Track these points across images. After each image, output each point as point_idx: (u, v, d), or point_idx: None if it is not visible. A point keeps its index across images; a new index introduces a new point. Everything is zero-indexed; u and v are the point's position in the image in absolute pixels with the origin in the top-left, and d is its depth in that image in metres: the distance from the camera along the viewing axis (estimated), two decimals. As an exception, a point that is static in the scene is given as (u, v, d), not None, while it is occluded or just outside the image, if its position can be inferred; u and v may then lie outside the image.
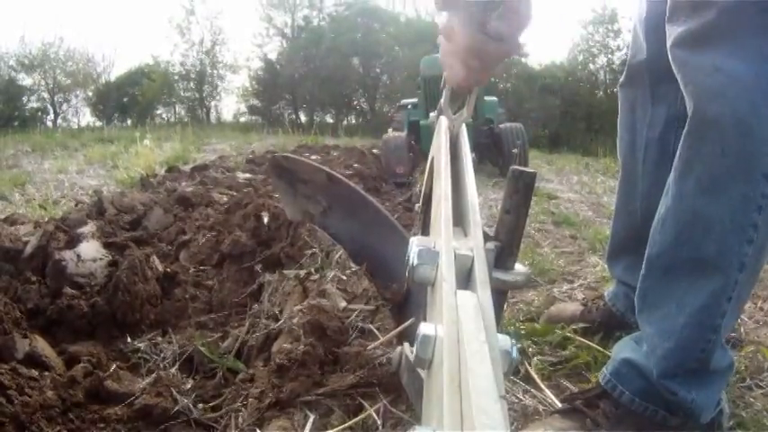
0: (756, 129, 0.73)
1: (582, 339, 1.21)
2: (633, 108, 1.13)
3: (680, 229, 0.81)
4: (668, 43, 0.80)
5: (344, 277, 1.17)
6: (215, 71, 16.84)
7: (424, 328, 0.37)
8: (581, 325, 1.24)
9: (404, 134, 4.23)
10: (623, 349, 0.93)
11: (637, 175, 1.14)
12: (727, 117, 0.73)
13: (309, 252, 1.29)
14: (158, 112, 16.85)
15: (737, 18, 0.72)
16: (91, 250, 1.35)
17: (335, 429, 0.84)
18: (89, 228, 1.51)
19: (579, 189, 4.18)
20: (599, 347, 1.17)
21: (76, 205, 2.48)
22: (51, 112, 15.96)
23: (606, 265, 1.37)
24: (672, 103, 1.05)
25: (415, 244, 0.45)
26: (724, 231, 0.76)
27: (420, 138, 4.47)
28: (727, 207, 0.75)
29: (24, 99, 15.56)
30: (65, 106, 16.39)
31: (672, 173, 0.82)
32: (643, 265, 0.88)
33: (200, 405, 0.92)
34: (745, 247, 0.76)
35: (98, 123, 13.98)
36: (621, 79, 1.16)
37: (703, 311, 0.79)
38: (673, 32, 0.79)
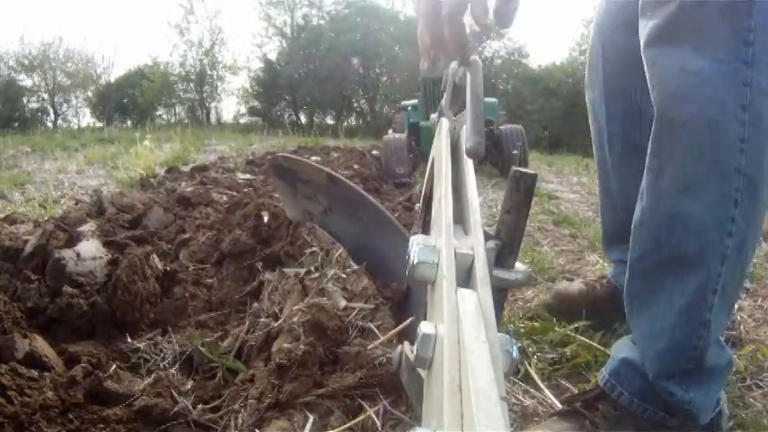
0: (727, 127, 0.73)
1: (582, 338, 1.21)
2: (593, 105, 1.16)
3: (659, 230, 0.81)
4: (641, 43, 0.80)
5: (344, 276, 1.17)
6: (215, 72, 16.84)
7: (425, 327, 0.37)
8: (584, 323, 1.24)
9: (404, 135, 4.24)
10: (622, 349, 0.92)
11: (608, 171, 1.17)
12: (698, 118, 0.74)
13: (309, 251, 1.29)
14: (158, 113, 16.86)
15: (700, 10, 0.72)
16: (90, 249, 1.35)
17: (335, 431, 0.84)
18: (89, 226, 1.51)
19: (579, 189, 4.19)
20: (599, 346, 1.17)
21: (76, 204, 2.47)
22: (51, 112, 16.01)
23: (604, 254, 1.41)
24: (627, 97, 1.06)
25: (416, 242, 0.45)
26: (703, 228, 0.76)
27: (420, 139, 4.48)
28: (705, 205, 0.76)
29: (24, 100, 15.60)
30: (65, 107, 16.45)
31: (645, 176, 0.82)
32: (627, 270, 0.88)
33: (200, 406, 0.92)
34: (726, 239, 0.76)
35: (98, 124, 14.02)
36: (585, 80, 1.19)
37: (691, 308, 0.79)
38: (643, 31, 0.79)
